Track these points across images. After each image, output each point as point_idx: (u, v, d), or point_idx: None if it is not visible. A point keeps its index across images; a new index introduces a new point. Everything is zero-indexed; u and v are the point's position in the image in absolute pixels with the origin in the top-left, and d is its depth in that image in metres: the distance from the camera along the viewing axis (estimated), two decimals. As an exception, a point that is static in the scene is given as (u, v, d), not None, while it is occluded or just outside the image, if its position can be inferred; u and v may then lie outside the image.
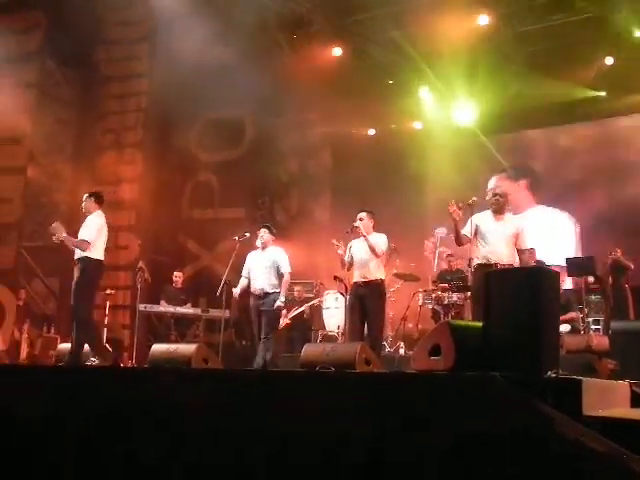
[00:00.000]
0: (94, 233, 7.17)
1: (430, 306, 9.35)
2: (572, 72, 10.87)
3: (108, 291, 9.86)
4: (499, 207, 6.33)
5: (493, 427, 2.69)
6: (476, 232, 6.36)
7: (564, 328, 8.07)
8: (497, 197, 6.33)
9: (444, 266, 10.04)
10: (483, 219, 6.37)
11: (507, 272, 4.17)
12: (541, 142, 12.17)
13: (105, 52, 12.39)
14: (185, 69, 10.70)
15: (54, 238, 7.09)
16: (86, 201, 7.39)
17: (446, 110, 11.87)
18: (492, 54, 10.86)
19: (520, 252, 6.42)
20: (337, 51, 11.48)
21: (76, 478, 3.82)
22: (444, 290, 8.99)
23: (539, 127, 12.00)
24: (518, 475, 2.61)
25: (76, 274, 7.19)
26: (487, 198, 6.35)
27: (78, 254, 7.10)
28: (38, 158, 11.94)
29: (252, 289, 7.63)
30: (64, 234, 7.07)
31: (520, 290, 3.08)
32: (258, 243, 7.74)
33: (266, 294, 7.54)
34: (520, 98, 11.16)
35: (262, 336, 7.45)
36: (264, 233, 7.75)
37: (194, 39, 10.24)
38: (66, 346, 7.04)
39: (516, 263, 6.32)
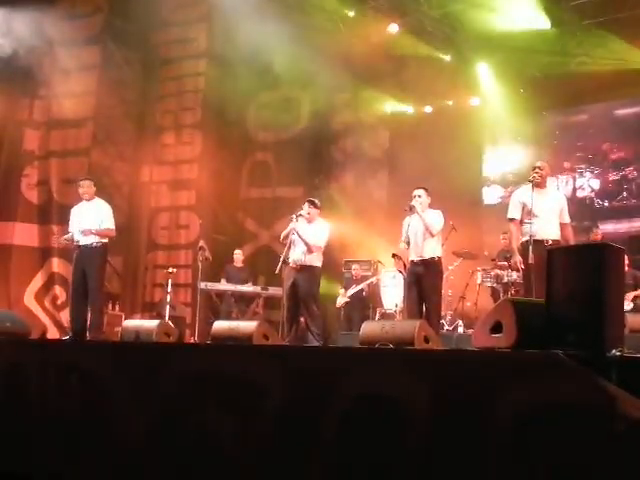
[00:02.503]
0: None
1: (489, 284, 9.28)
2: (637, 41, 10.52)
3: (170, 269, 10.08)
4: (540, 180, 6.44)
5: (556, 405, 2.69)
6: (522, 209, 6.45)
7: (627, 306, 7.95)
8: (537, 169, 6.44)
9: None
10: (526, 195, 6.43)
11: (570, 249, 4.12)
12: (600, 118, 11.80)
13: (164, 34, 12.56)
14: (242, 49, 10.77)
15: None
16: (89, 187, 7.85)
17: (504, 85, 11.66)
18: (552, 27, 10.61)
19: (563, 226, 6.47)
20: (393, 27, 11.36)
21: (149, 449, 3.96)
22: (503, 268, 8.91)
23: (600, 102, 11.65)
24: (581, 453, 2.61)
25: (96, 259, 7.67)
26: (530, 178, 6.45)
27: (91, 240, 7.60)
28: (101, 140, 12.21)
29: (290, 260, 7.69)
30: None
31: (583, 267, 3.04)
32: (304, 213, 7.78)
33: (303, 267, 7.62)
34: (582, 72, 10.89)
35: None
36: (306, 207, 7.81)
37: (251, 18, 10.30)
38: (131, 323, 7.23)
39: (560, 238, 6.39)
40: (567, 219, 6.58)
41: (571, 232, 6.61)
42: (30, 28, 10.95)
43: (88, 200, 7.84)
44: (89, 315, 7.66)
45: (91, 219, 7.68)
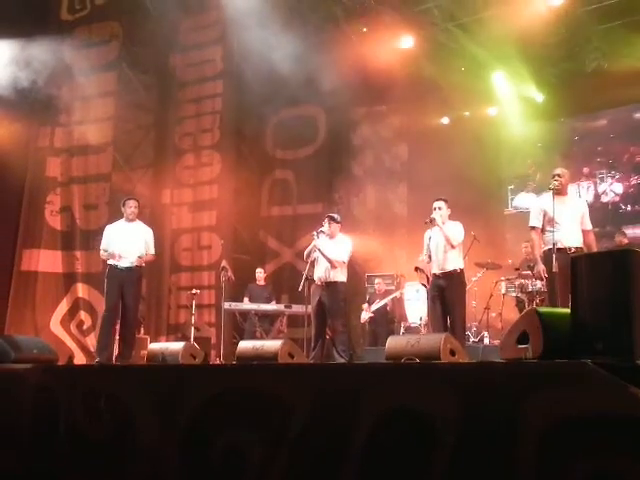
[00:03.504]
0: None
1: (513, 294, 9.20)
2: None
3: (194, 291, 10.12)
4: (561, 187, 6.39)
5: (587, 415, 2.65)
6: (543, 217, 6.40)
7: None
8: (556, 177, 6.39)
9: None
10: (547, 203, 6.38)
11: (594, 256, 4.07)
12: (619, 122, 11.70)
13: (180, 58, 12.69)
14: (258, 68, 10.86)
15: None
16: (136, 207, 7.85)
17: (521, 94, 11.63)
18: (568, 33, 10.59)
19: (585, 233, 6.41)
20: (407, 41, 11.39)
21: (176, 471, 3.96)
22: (527, 277, 8.83)
23: (619, 106, 11.56)
24: (614, 463, 2.56)
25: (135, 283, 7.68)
26: (550, 186, 6.40)
27: (132, 263, 7.58)
28: (121, 164, 12.34)
29: (315, 278, 7.69)
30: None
31: (609, 273, 3.00)
32: (325, 230, 7.78)
33: (327, 284, 7.61)
34: (599, 76, 10.84)
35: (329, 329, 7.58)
36: (327, 223, 7.81)
37: (265, 38, 10.39)
38: (156, 345, 7.25)
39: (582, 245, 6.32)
40: (589, 226, 6.52)
41: (593, 239, 6.56)
42: (48, 57, 11.12)
43: (132, 221, 7.77)
44: (124, 339, 7.58)
45: (137, 242, 7.64)
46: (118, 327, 7.69)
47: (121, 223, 7.88)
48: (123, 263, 7.53)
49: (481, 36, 10.82)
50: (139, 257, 7.55)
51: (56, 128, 12.47)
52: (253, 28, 10.66)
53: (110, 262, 7.61)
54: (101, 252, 7.80)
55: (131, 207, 7.74)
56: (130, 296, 7.51)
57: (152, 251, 7.81)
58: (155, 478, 4.09)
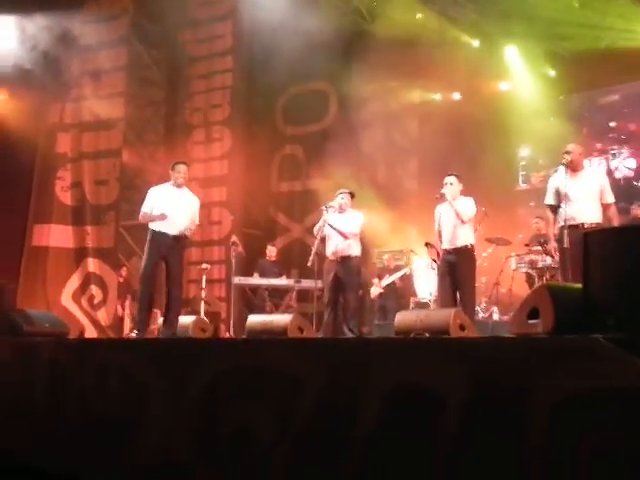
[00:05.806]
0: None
1: (524, 270, 9.17)
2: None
3: (204, 266, 10.13)
4: (572, 164, 6.33)
5: (598, 390, 2.65)
6: (557, 194, 6.35)
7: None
8: (565, 154, 6.32)
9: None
10: (560, 180, 6.34)
11: (606, 231, 4.05)
12: (632, 97, 11.56)
13: (190, 33, 12.62)
14: (268, 43, 10.79)
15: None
16: (186, 172, 7.30)
17: (533, 69, 11.51)
18: (581, 8, 10.45)
19: (605, 207, 6.35)
20: (419, 16, 11.28)
21: (191, 443, 3.99)
22: (537, 253, 8.79)
23: (632, 81, 11.41)
24: (625, 438, 2.56)
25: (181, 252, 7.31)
26: (562, 161, 6.34)
27: (180, 231, 7.07)
28: (132, 140, 12.34)
29: (329, 253, 7.66)
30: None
31: (621, 248, 2.98)
32: (335, 205, 7.75)
33: (343, 258, 7.58)
34: (612, 52, 10.70)
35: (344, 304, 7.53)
36: (343, 197, 7.78)
37: (276, 13, 10.31)
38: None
39: (601, 220, 6.26)
40: (610, 199, 6.42)
41: (614, 212, 6.46)
42: (58, 33, 11.08)
43: (179, 186, 7.21)
44: (170, 309, 7.15)
45: (184, 210, 7.13)
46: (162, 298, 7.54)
47: (167, 187, 7.28)
48: (170, 230, 7.00)
49: (493, 11, 10.70)
50: (186, 227, 7.08)
51: (66, 104, 12.46)
52: (263, 4, 10.58)
53: (153, 227, 7.06)
54: (141, 214, 7.22)
55: (180, 172, 7.17)
56: (176, 265, 7.09)
57: (197, 221, 7.40)
58: (165, 453, 4.12)
